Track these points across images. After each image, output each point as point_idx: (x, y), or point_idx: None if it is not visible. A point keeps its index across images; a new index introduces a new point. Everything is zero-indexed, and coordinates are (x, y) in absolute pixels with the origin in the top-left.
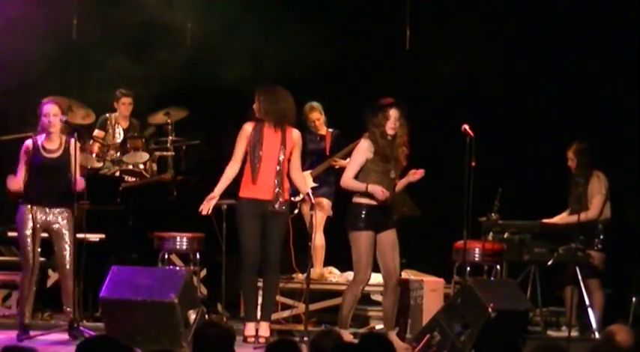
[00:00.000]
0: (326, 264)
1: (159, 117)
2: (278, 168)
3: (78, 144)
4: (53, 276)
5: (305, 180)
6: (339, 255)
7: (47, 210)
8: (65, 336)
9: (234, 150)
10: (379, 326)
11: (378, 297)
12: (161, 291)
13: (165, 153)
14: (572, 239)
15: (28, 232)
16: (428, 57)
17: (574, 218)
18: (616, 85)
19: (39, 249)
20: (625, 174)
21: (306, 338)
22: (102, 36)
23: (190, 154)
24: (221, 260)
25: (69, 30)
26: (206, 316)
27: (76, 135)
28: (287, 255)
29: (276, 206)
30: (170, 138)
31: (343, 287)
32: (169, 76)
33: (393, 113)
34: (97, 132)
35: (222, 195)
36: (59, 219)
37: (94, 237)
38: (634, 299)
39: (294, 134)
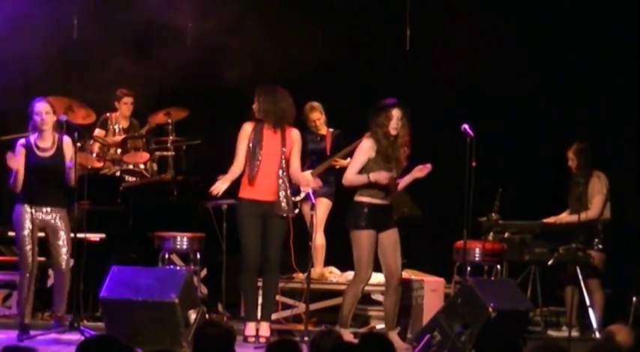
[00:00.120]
0: (326, 263)
1: (159, 117)
2: (281, 171)
3: (70, 140)
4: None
5: (304, 176)
6: (340, 255)
7: (44, 209)
8: (65, 336)
9: (235, 150)
10: (379, 326)
11: (378, 297)
12: (161, 291)
13: (165, 153)
14: (572, 239)
15: (26, 232)
16: (428, 57)
17: (574, 217)
18: (616, 85)
19: (37, 249)
20: (625, 174)
21: (306, 338)
22: (102, 36)
23: (191, 154)
24: (221, 260)
25: (70, 30)
26: (206, 316)
27: (76, 135)
28: (287, 255)
29: (282, 211)
30: (170, 138)
31: (344, 287)
32: (170, 75)
33: (396, 113)
34: (97, 132)
35: (223, 195)
36: (55, 217)
37: (95, 237)
38: (634, 299)
39: (294, 133)
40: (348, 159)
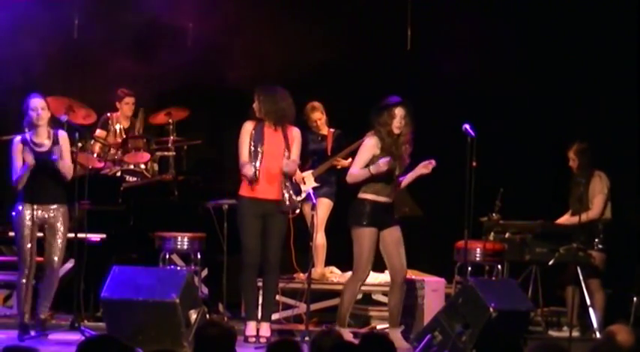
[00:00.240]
0: (327, 263)
1: (160, 117)
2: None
3: (66, 134)
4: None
5: (300, 174)
6: (341, 255)
7: (43, 207)
8: (66, 336)
9: (238, 149)
10: (380, 326)
11: (379, 297)
12: (162, 291)
13: (166, 153)
14: (573, 239)
15: (26, 231)
16: (429, 57)
17: (576, 219)
18: (616, 85)
19: (36, 248)
20: (625, 174)
21: (307, 338)
22: (103, 36)
23: (191, 154)
24: (222, 259)
25: (70, 30)
26: (207, 316)
27: (77, 135)
28: (288, 255)
29: (286, 207)
30: (171, 138)
31: None
32: (170, 75)
33: (399, 112)
34: (98, 132)
35: (223, 195)
36: (55, 215)
37: (95, 237)
38: (635, 299)
39: (294, 131)
40: (349, 160)
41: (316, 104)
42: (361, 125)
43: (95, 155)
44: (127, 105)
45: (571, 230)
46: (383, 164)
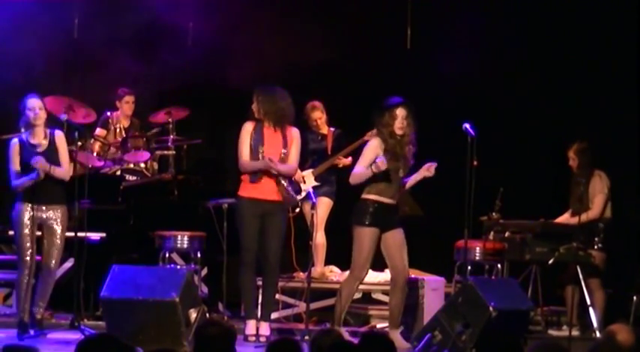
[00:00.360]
0: (327, 262)
1: (160, 117)
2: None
3: (62, 134)
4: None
5: (300, 173)
6: (340, 254)
7: (42, 207)
8: (66, 335)
9: (239, 149)
10: (380, 325)
11: (379, 296)
12: (162, 290)
13: (166, 152)
14: (573, 238)
15: (25, 231)
16: (429, 56)
17: (576, 220)
18: (616, 84)
19: (35, 247)
20: (625, 174)
21: (306, 337)
22: (103, 35)
23: (191, 153)
24: (222, 259)
25: (70, 29)
26: (207, 315)
27: (76, 134)
28: (288, 254)
29: (287, 204)
30: (171, 137)
31: None
32: (171, 75)
33: (400, 112)
34: (98, 131)
35: (224, 194)
36: (54, 216)
37: (95, 236)
38: (635, 298)
39: (294, 131)
40: (350, 159)
41: (316, 103)
42: (361, 124)
43: (95, 154)
44: (127, 104)
45: (571, 229)
46: (380, 163)
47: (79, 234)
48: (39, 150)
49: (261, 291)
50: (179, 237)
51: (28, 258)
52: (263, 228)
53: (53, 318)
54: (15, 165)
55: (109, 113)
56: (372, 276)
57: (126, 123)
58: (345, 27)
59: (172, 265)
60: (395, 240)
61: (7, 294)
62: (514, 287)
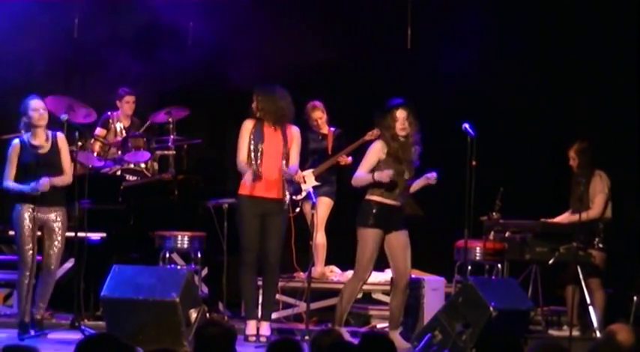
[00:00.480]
0: (327, 262)
1: (160, 117)
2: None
3: (64, 136)
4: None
5: (300, 173)
6: (341, 254)
7: (43, 208)
8: (66, 335)
9: (238, 146)
10: (380, 325)
11: (379, 296)
12: (162, 290)
13: (166, 152)
14: (573, 238)
15: (25, 231)
16: (429, 56)
17: (575, 217)
18: (616, 84)
19: (36, 248)
20: (626, 174)
21: (307, 337)
22: (104, 35)
23: (192, 153)
24: (222, 259)
25: (71, 29)
26: (207, 315)
27: (77, 134)
28: (288, 254)
29: (286, 204)
30: (171, 137)
31: None
32: (171, 75)
33: (401, 114)
34: (98, 131)
35: (224, 194)
36: (54, 217)
37: (95, 236)
38: (635, 298)
39: (294, 130)
40: (350, 158)
41: (317, 103)
42: (361, 124)
43: (95, 154)
44: (127, 104)
45: (571, 229)
46: (386, 176)
47: (80, 234)
48: (40, 151)
49: (261, 291)
50: (179, 237)
51: (28, 259)
52: (263, 228)
53: (53, 318)
54: (12, 166)
55: (109, 113)
56: (373, 276)
57: (126, 123)
58: (345, 27)
59: (172, 265)
60: (399, 242)
61: (7, 294)
62: (514, 287)
